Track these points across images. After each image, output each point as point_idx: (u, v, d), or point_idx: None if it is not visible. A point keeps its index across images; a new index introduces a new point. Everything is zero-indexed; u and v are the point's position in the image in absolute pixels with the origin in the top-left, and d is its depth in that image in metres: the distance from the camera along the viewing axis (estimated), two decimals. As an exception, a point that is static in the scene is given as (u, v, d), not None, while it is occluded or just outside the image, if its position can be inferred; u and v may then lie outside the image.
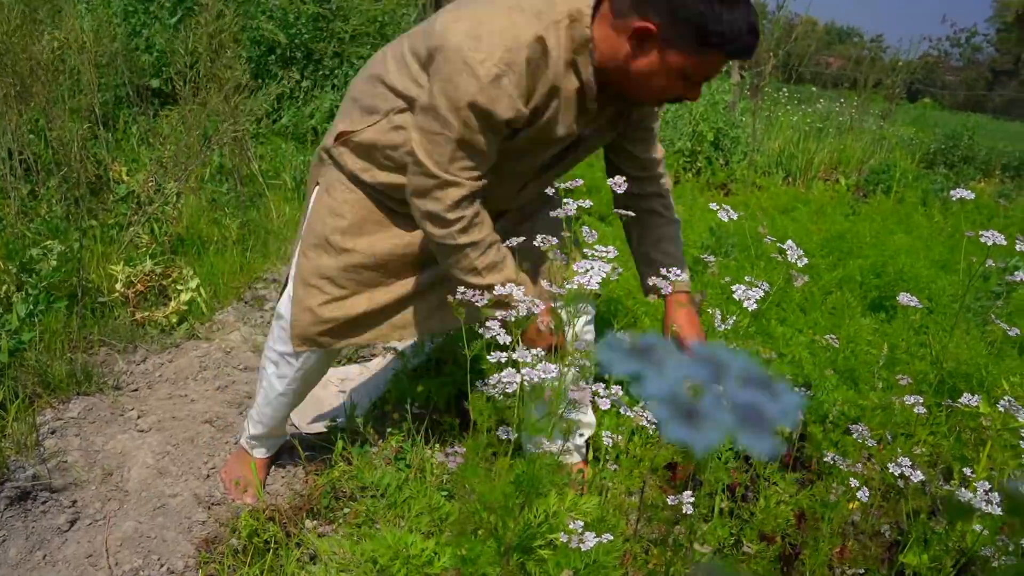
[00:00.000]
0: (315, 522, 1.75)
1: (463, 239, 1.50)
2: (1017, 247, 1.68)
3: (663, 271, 1.24)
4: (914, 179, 6.16)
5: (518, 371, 0.87)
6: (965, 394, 1.50)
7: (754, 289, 1.21)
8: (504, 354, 0.89)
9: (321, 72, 5.49)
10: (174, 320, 2.76)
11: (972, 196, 1.46)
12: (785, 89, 9.24)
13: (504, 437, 0.98)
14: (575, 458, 1.86)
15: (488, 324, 0.96)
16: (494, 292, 1.11)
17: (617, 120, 1.69)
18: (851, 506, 1.65)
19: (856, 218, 4.29)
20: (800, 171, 5.85)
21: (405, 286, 1.71)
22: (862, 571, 1.58)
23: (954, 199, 1.51)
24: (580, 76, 1.50)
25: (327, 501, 1.78)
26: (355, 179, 1.66)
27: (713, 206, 1.45)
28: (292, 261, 1.76)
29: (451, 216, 1.48)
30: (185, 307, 2.80)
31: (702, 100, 5.64)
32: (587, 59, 1.48)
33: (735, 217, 1.42)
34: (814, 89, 11.36)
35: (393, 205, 1.67)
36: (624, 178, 1.30)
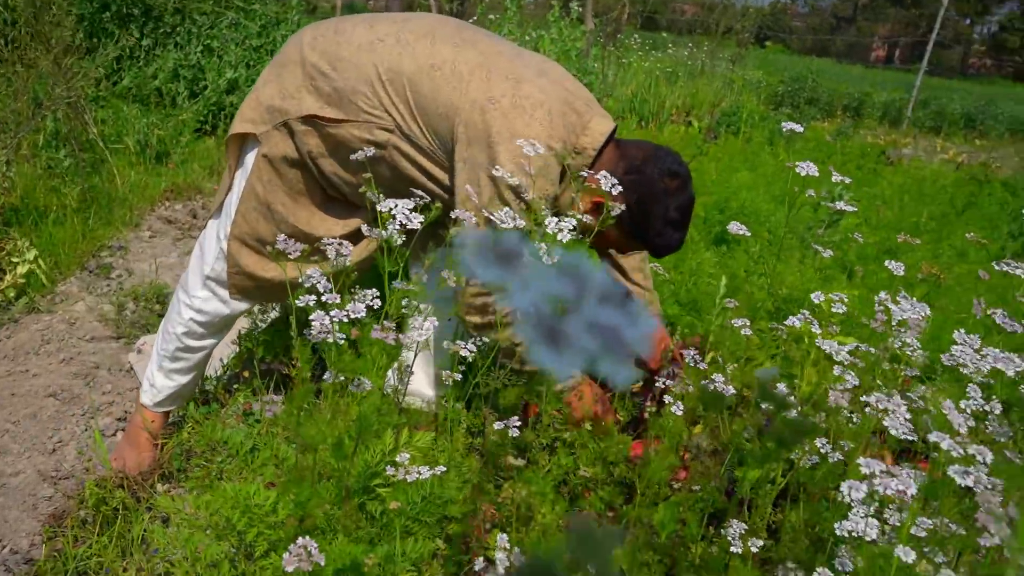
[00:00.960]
0: (167, 485, 1.72)
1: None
2: (833, 178, 1.81)
3: None
4: (761, 120, 6.47)
5: (327, 313, 0.89)
6: (791, 317, 1.62)
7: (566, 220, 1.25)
8: (312, 297, 0.90)
9: (162, 30, 5.22)
10: (11, 295, 2.62)
11: (801, 129, 1.57)
12: (637, 36, 9.46)
13: (330, 381, 0.99)
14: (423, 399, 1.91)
15: (309, 273, 0.97)
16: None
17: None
18: (695, 429, 1.76)
19: (704, 158, 4.48)
20: (652, 115, 6.03)
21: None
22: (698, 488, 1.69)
23: (784, 132, 1.62)
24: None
25: (179, 463, 1.76)
26: (311, 158, 1.64)
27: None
28: (219, 219, 1.75)
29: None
30: (23, 280, 2.66)
31: (554, 48, 5.71)
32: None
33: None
34: (665, 35, 11.68)
35: (334, 193, 1.69)
36: None
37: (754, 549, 1.22)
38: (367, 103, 1.57)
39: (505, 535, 1.11)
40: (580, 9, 6.77)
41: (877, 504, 1.04)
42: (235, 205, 1.69)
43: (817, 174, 1.58)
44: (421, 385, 1.94)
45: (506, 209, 1.33)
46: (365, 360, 0.92)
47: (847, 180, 1.58)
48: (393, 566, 1.08)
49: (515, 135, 1.47)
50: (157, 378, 1.83)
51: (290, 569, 0.78)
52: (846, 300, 1.49)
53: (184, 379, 1.83)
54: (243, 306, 1.79)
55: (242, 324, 2.08)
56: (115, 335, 2.54)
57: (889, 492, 0.89)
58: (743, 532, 1.23)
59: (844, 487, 0.94)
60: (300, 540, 0.78)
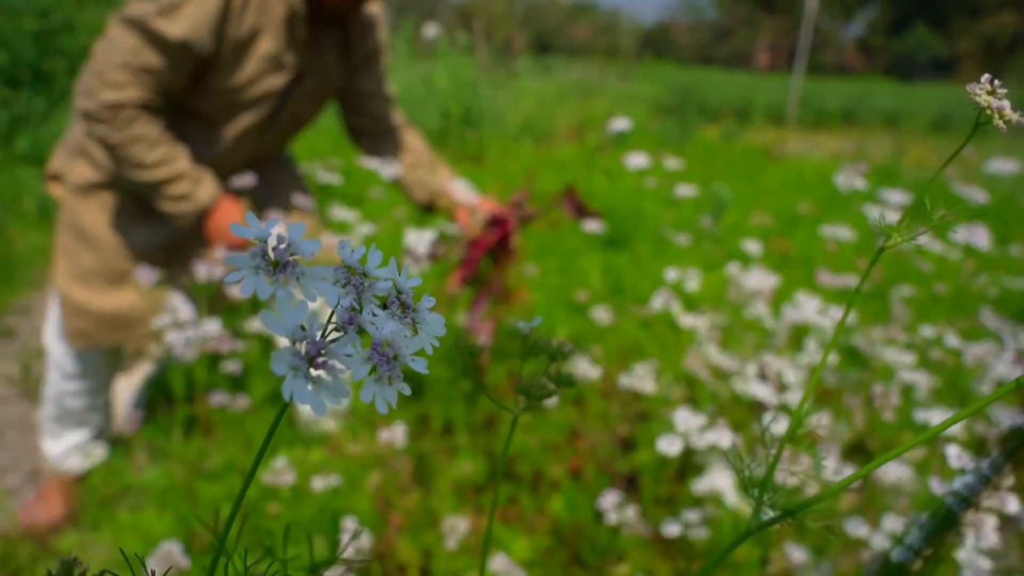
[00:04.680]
0: (78, 535, 1.71)
1: (126, 132, 1.49)
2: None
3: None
4: (650, 130, 6.72)
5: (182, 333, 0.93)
6: (654, 299, 1.73)
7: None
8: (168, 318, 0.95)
9: (56, 92, 5.14)
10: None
11: (628, 127, 1.70)
12: (528, 61, 9.71)
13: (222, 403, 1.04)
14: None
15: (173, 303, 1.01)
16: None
17: (342, 60, 1.79)
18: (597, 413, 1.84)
19: (594, 170, 4.64)
20: (545, 135, 6.20)
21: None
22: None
23: (613, 132, 1.76)
24: (287, 2, 1.58)
25: (91, 512, 1.75)
26: (95, 184, 1.66)
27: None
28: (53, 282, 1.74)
29: (108, 113, 1.48)
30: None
31: (448, 79, 5.83)
32: None
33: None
34: (557, 59, 12.02)
35: (140, 201, 1.67)
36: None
37: (632, 517, 1.30)
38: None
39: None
40: (471, 39, 6.93)
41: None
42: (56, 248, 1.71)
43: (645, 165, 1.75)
44: None
45: (130, 44, 1.41)
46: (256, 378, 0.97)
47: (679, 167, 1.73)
48: None
49: None
50: (49, 446, 1.83)
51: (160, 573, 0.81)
52: (697, 277, 1.61)
53: (78, 434, 1.84)
54: (95, 356, 1.77)
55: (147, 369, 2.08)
56: (22, 394, 2.50)
57: (701, 444, 0.98)
58: (618, 503, 1.30)
59: (661, 442, 1.03)
60: (165, 545, 0.82)
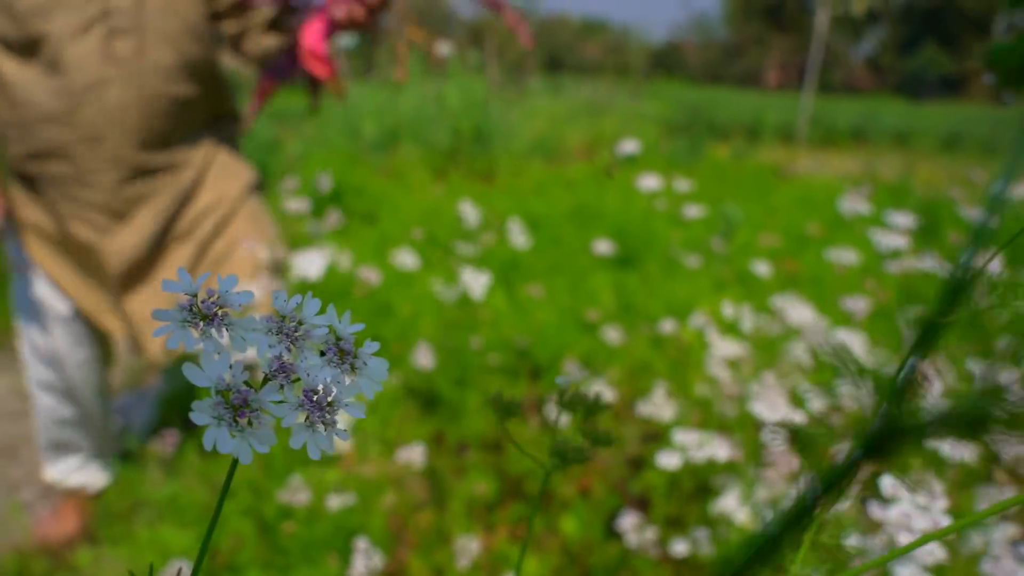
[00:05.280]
0: (93, 548, 1.73)
1: None
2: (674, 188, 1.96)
3: None
4: (660, 150, 6.75)
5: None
6: (665, 321, 1.75)
7: (482, 275, 1.36)
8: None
9: None
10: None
11: (637, 149, 1.72)
12: (540, 79, 9.77)
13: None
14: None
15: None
16: None
17: None
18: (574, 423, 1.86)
19: (605, 190, 4.67)
20: (556, 153, 6.24)
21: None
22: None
23: (621, 155, 1.78)
24: None
25: (104, 526, 1.77)
26: None
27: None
28: None
29: None
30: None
31: (460, 97, 5.88)
32: None
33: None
34: (564, 80, 12.10)
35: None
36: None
37: (651, 538, 1.32)
38: None
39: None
40: (482, 58, 7.00)
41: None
42: None
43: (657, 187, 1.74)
44: None
45: None
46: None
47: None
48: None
49: None
50: (49, 470, 1.84)
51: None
52: (733, 306, 1.62)
53: (74, 458, 1.84)
54: (60, 305, 1.64)
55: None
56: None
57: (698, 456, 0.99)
58: (637, 524, 1.32)
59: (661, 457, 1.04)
60: (175, 562, 0.84)
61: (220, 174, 1.61)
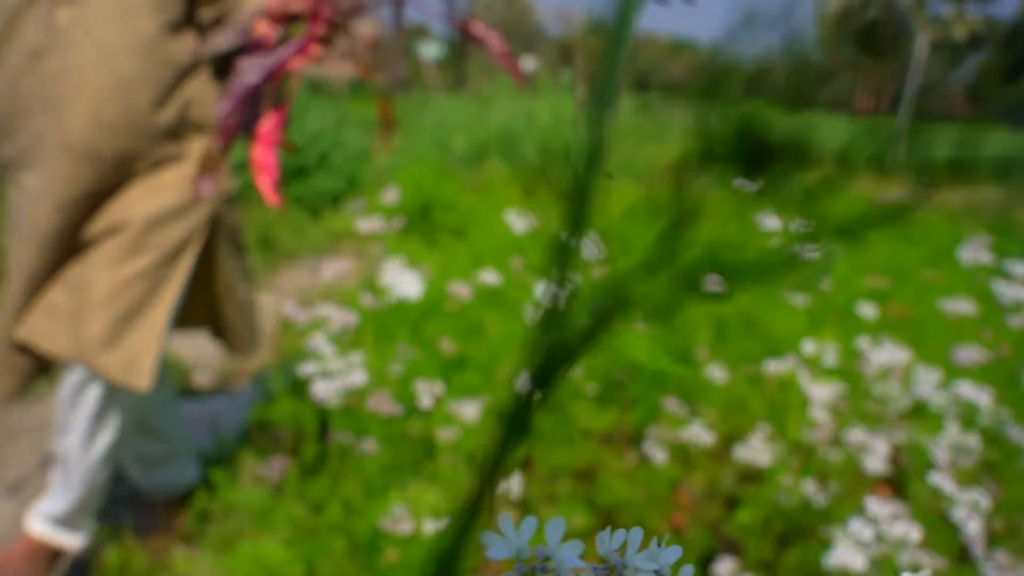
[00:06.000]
0: (185, 548, 1.78)
1: None
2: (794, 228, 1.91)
3: None
4: (749, 174, 6.65)
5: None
6: (768, 360, 1.71)
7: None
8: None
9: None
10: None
11: (755, 184, 1.68)
12: (627, 97, 9.73)
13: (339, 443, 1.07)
14: None
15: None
16: None
17: None
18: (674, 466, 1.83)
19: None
20: (645, 174, 6.19)
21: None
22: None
23: (740, 185, 1.74)
24: None
25: (195, 527, 1.82)
26: None
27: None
28: None
29: None
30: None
31: (547, 115, 5.90)
32: None
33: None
34: (654, 96, 12.02)
35: None
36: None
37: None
38: None
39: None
40: (572, 75, 7.02)
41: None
42: None
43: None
44: None
45: None
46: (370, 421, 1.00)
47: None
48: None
49: None
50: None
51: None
52: (836, 350, 1.57)
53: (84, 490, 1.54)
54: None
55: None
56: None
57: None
58: (733, 571, 1.29)
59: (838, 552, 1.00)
60: None
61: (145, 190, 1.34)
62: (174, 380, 1.71)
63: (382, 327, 2.01)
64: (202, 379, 2.77)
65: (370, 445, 1.40)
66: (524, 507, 1.63)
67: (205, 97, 1.36)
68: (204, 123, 1.37)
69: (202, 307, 1.52)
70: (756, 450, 1.38)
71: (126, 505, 1.90)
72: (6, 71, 1.27)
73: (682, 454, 1.69)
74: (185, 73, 1.33)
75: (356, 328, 1.84)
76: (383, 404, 1.30)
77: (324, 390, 0.98)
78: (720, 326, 2.67)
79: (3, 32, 1.26)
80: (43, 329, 1.31)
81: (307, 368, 0.97)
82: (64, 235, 1.28)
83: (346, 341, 1.49)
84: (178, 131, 1.33)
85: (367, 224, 2.41)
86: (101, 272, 1.28)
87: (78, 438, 1.43)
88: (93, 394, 1.39)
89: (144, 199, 1.31)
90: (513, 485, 1.32)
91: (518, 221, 2.97)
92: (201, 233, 1.36)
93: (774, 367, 1.66)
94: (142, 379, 1.29)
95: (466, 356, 2.13)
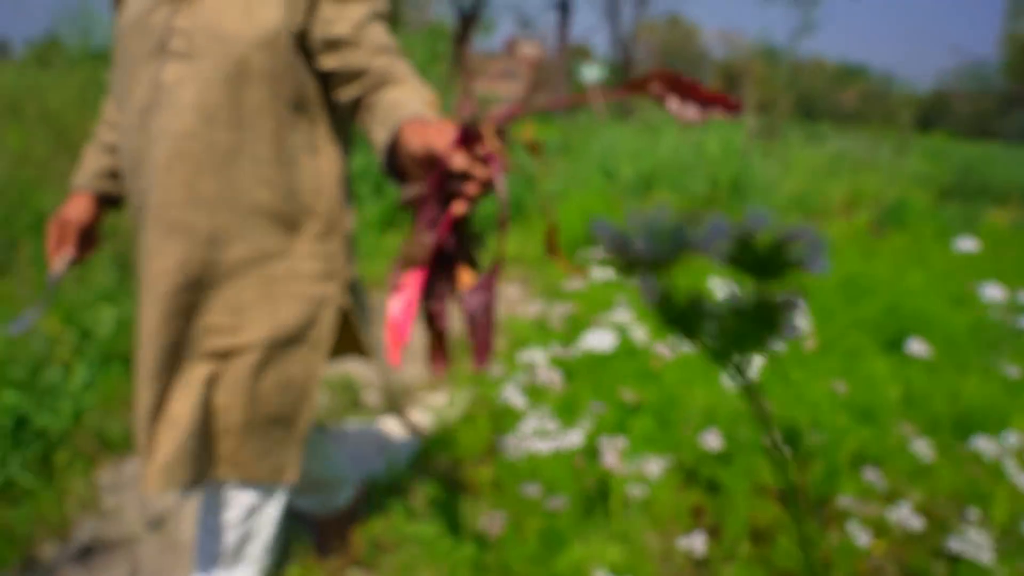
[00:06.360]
0: (359, 571, 1.85)
1: None
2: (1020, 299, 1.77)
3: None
4: (930, 213, 6.25)
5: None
6: (975, 436, 1.58)
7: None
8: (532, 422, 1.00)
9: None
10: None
11: (975, 246, 1.57)
12: (799, 129, 9.41)
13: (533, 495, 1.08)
14: None
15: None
16: None
17: None
18: (877, 546, 1.73)
19: (872, 256, 4.38)
20: (817, 210, 5.96)
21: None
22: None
23: (960, 250, 1.63)
24: None
25: (370, 553, 1.89)
26: None
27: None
28: None
29: None
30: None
31: (716, 145, 5.78)
32: None
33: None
34: (824, 127, 11.53)
35: None
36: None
37: None
38: None
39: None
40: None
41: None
42: None
43: (1001, 298, 1.57)
44: None
45: None
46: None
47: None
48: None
49: None
50: None
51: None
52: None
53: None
54: None
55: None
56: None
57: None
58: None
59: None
60: None
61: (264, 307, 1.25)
62: (323, 429, 1.74)
63: (573, 377, 2.01)
64: (370, 398, 2.87)
65: (557, 503, 1.40)
66: (700, 567, 1.59)
67: (319, 185, 1.27)
68: (314, 212, 1.28)
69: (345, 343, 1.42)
70: (973, 544, 1.28)
71: (305, 525, 1.99)
72: (125, 123, 1.24)
73: (878, 527, 1.60)
74: (296, 156, 1.24)
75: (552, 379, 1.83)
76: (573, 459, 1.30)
77: (542, 448, 0.99)
78: (905, 384, 2.51)
79: (125, 82, 1.23)
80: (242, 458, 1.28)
81: (524, 427, 0.98)
82: (178, 315, 1.21)
83: (538, 390, 1.50)
84: (284, 216, 1.24)
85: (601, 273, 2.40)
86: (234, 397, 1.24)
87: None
88: (272, 513, 1.38)
89: (261, 312, 1.24)
90: (696, 544, 1.29)
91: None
92: (324, 362, 1.31)
93: (983, 446, 1.54)
94: (291, 475, 1.31)
95: (642, 402, 2.10)
